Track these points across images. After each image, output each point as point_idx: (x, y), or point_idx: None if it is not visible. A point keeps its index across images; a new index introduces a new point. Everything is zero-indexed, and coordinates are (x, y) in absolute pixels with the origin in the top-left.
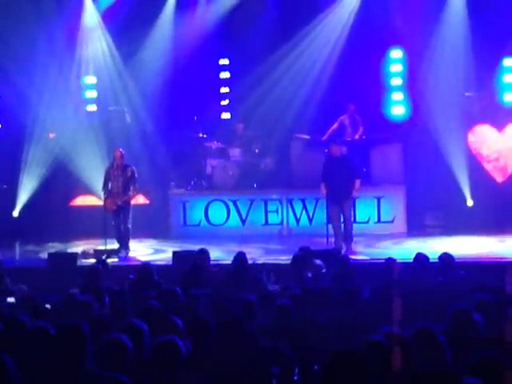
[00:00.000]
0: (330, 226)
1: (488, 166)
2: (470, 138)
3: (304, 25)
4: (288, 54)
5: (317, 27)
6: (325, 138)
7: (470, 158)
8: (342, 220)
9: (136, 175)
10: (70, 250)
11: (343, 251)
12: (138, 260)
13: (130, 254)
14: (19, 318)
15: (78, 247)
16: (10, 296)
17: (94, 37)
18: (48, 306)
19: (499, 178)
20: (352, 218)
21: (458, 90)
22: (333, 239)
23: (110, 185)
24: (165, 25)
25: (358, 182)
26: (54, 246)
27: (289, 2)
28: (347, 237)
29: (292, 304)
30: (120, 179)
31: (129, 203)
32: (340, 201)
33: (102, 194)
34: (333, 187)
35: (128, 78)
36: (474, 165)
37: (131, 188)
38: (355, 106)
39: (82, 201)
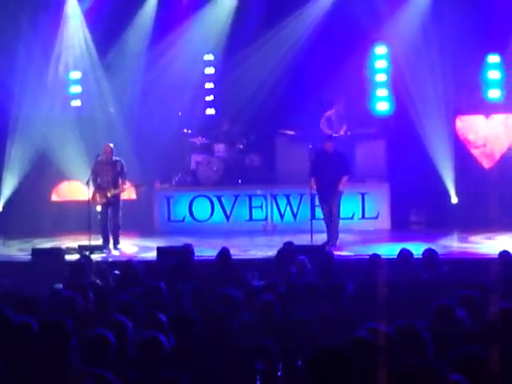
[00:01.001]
0: (313, 221)
1: (475, 152)
2: (458, 123)
3: (288, 20)
4: (272, 50)
5: (301, 23)
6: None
7: (456, 154)
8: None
9: (125, 169)
10: (53, 246)
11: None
12: (123, 256)
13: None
14: (2, 313)
15: (62, 242)
16: None
17: (77, 31)
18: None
19: (486, 164)
20: (339, 214)
21: (443, 86)
22: (325, 235)
23: (98, 179)
24: (147, 20)
25: (344, 178)
26: (38, 242)
27: None
28: (333, 233)
29: (276, 300)
30: (109, 173)
31: (119, 198)
32: (329, 196)
33: (87, 186)
34: (323, 183)
35: (112, 73)
36: (460, 161)
37: (120, 182)
38: (343, 101)
39: (67, 187)
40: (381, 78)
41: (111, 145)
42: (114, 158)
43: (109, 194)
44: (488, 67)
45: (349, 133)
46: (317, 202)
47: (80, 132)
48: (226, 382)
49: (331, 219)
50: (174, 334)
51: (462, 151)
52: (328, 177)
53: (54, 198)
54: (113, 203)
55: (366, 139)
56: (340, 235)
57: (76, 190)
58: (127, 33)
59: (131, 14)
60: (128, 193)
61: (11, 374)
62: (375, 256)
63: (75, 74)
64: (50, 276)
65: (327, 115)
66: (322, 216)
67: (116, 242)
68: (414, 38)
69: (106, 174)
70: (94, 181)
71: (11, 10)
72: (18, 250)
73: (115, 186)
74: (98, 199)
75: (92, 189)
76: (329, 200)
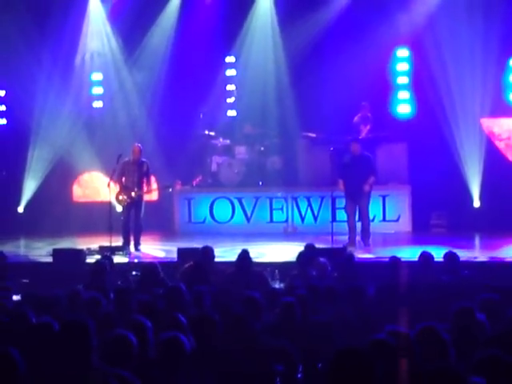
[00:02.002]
0: (334, 224)
1: (500, 145)
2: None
3: (310, 23)
4: (293, 53)
5: (323, 26)
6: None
7: (479, 158)
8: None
9: (150, 171)
10: (74, 246)
11: (360, 246)
12: (143, 257)
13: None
14: (24, 314)
15: (82, 243)
16: (11, 291)
17: (100, 31)
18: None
19: (511, 157)
20: (369, 215)
21: (464, 89)
22: (347, 236)
23: (124, 179)
24: (169, 22)
25: (371, 178)
26: (59, 242)
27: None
28: (365, 233)
29: (296, 302)
30: (136, 174)
31: (142, 199)
32: (358, 198)
33: (108, 188)
34: (351, 185)
35: (133, 74)
36: (484, 165)
37: (145, 183)
38: (368, 103)
39: (88, 177)
40: (402, 80)
41: (139, 145)
42: (141, 158)
43: (133, 194)
44: (510, 70)
45: (370, 135)
46: (338, 205)
47: (101, 133)
48: (245, 383)
49: (355, 221)
50: (194, 335)
51: (486, 154)
52: (356, 179)
53: (76, 189)
54: (136, 204)
55: (387, 142)
56: (358, 238)
57: (97, 180)
58: (150, 34)
59: (154, 16)
60: (155, 193)
61: (33, 375)
62: (395, 258)
63: (97, 76)
64: (71, 277)
65: (355, 121)
66: (343, 218)
67: (137, 243)
68: (435, 41)
69: (132, 175)
70: (119, 181)
71: (36, 12)
72: (39, 251)
73: (140, 186)
74: (122, 199)
75: (116, 189)
76: (357, 201)
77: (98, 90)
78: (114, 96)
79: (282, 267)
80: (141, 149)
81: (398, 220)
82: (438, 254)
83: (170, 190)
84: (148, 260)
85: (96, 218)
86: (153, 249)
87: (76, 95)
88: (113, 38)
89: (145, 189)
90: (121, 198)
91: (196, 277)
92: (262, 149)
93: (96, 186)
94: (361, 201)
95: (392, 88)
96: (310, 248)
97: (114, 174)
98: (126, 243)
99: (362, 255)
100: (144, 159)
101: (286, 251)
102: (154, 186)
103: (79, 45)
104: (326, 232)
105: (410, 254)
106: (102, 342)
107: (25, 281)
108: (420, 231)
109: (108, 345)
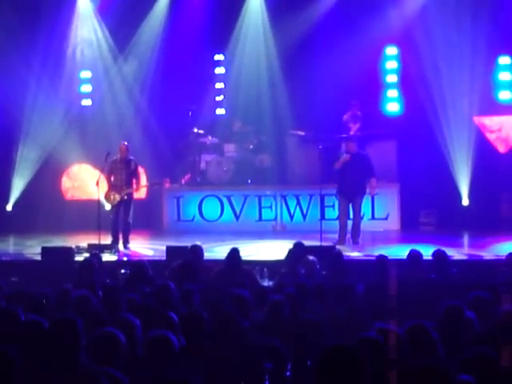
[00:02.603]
0: (323, 222)
1: (491, 137)
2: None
3: (300, 21)
4: (283, 51)
5: (313, 24)
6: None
7: (468, 155)
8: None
9: (139, 169)
10: (63, 244)
11: (349, 244)
12: (132, 255)
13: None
14: (13, 312)
15: (71, 241)
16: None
17: (88, 29)
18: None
19: (502, 149)
20: (361, 214)
21: (453, 87)
22: (336, 234)
23: (112, 178)
24: (159, 19)
25: (374, 180)
26: (48, 240)
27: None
28: (355, 231)
29: (285, 300)
30: (123, 172)
31: (131, 197)
32: (353, 196)
33: (97, 187)
34: (346, 182)
35: (122, 71)
36: (475, 164)
37: (134, 181)
38: (357, 102)
39: (77, 170)
40: (391, 78)
41: (126, 143)
42: (129, 157)
43: (122, 194)
44: (499, 69)
45: (359, 133)
46: (327, 203)
47: (91, 130)
48: (234, 381)
49: (346, 220)
50: (183, 333)
51: (475, 152)
52: (351, 177)
53: (65, 181)
54: (125, 202)
55: (376, 140)
56: (348, 235)
57: (86, 173)
58: (139, 31)
59: (143, 13)
60: (144, 191)
61: (22, 373)
62: (382, 257)
63: (86, 74)
64: (60, 275)
65: (345, 119)
66: (332, 216)
67: (126, 241)
68: (424, 39)
69: (120, 173)
70: (108, 179)
71: (24, 11)
72: (27, 249)
73: (129, 185)
74: (112, 198)
75: (105, 187)
76: (351, 199)
77: (86, 88)
78: (102, 94)
79: (271, 265)
80: (127, 147)
81: (386, 218)
82: (427, 252)
83: (159, 186)
84: (137, 258)
85: (85, 215)
86: (141, 247)
87: (65, 93)
88: (101, 35)
89: (134, 187)
90: (112, 197)
91: (185, 275)
92: (251, 147)
93: (85, 179)
94: (355, 199)
95: (381, 86)
96: (298, 246)
97: (103, 172)
98: (115, 241)
99: (350, 253)
100: (131, 157)
101: (274, 249)
102: (143, 183)
103: (68, 41)
104: (315, 230)
105: (398, 252)
106: (91, 340)
107: (14, 279)
108: (409, 229)
109: (97, 343)
